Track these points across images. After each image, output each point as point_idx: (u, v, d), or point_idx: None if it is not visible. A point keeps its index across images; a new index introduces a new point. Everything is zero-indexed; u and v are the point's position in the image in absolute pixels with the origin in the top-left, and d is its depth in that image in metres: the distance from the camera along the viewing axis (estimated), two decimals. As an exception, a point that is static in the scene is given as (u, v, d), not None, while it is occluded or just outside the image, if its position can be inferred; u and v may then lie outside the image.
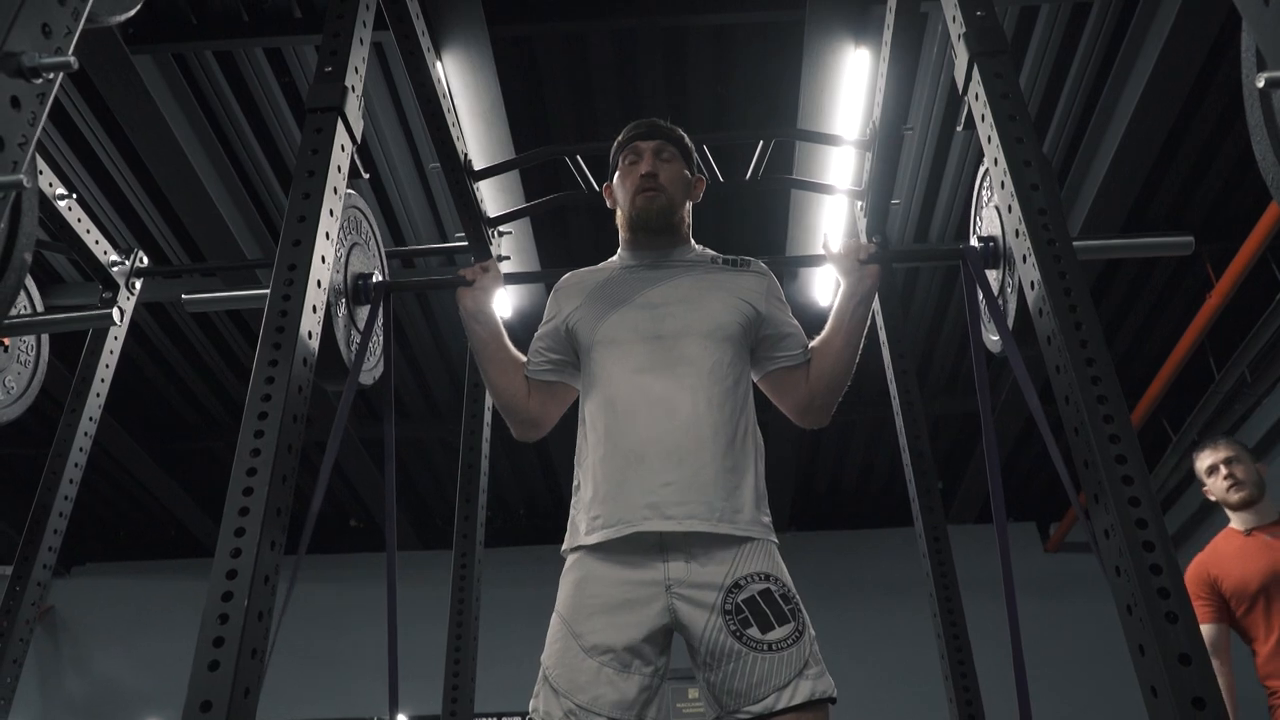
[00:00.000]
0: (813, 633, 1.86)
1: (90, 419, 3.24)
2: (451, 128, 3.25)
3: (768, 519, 1.98)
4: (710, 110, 4.99)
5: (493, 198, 4.19)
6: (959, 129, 2.32)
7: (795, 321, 2.23)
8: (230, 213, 5.17)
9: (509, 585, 6.76)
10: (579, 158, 3.55)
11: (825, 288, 5.49)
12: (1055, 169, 5.25)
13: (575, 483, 2.08)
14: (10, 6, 1.25)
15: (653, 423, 1.97)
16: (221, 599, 1.51)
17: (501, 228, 3.68)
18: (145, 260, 3.55)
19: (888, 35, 3.04)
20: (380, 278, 2.69)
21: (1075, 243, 1.95)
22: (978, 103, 2.12)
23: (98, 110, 4.72)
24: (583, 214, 5.64)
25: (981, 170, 2.54)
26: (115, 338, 3.38)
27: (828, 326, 2.22)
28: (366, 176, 2.59)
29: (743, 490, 1.95)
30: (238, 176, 5.19)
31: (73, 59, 1.33)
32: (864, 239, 3.52)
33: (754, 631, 1.81)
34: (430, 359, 6.83)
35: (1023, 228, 1.90)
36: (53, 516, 3.05)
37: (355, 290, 2.54)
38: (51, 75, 1.31)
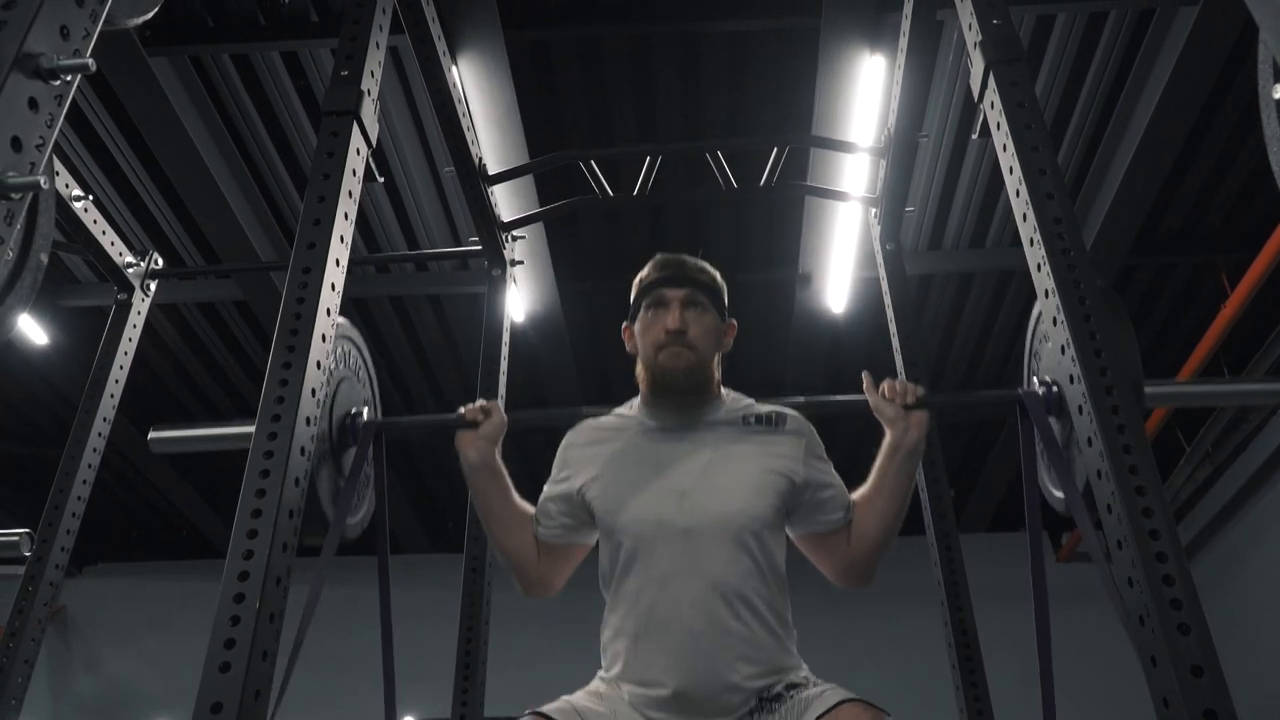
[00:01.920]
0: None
1: (104, 419, 3.25)
2: (466, 132, 3.25)
3: (796, 665, 1.92)
4: (724, 116, 4.99)
5: (506, 202, 4.19)
6: (974, 137, 2.31)
7: (835, 478, 2.04)
8: (245, 215, 5.19)
9: (519, 589, 6.75)
10: (593, 163, 3.56)
11: (838, 297, 5.49)
12: (1071, 177, 5.24)
13: (602, 642, 1.97)
14: (29, 8, 1.26)
15: (681, 640, 1.83)
16: (234, 600, 1.51)
17: (515, 232, 3.69)
18: (160, 262, 3.56)
19: (903, 42, 3.03)
20: (370, 415, 2.35)
21: (1148, 388, 1.92)
22: (993, 111, 2.11)
23: (114, 112, 4.74)
24: (596, 219, 5.64)
25: (1035, 312, 2.28)
26: (130, 339, 3.39)
27: (869, 482, 2.04)
28: (381, 180, 2.59)
29: (781, 672, 1.87)
30: (253, 179, 5.21)
31: (90, 61, 1.34)
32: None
33: (794, 692, 1.81)
34: (442, 360, 6.83)
35: (1037, 236, 1.89)
36: (66, 516, 3.05)
37: (341, 431, 2.22)
38: (69, 77, 1.31)
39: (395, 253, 5.73)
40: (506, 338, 3.47)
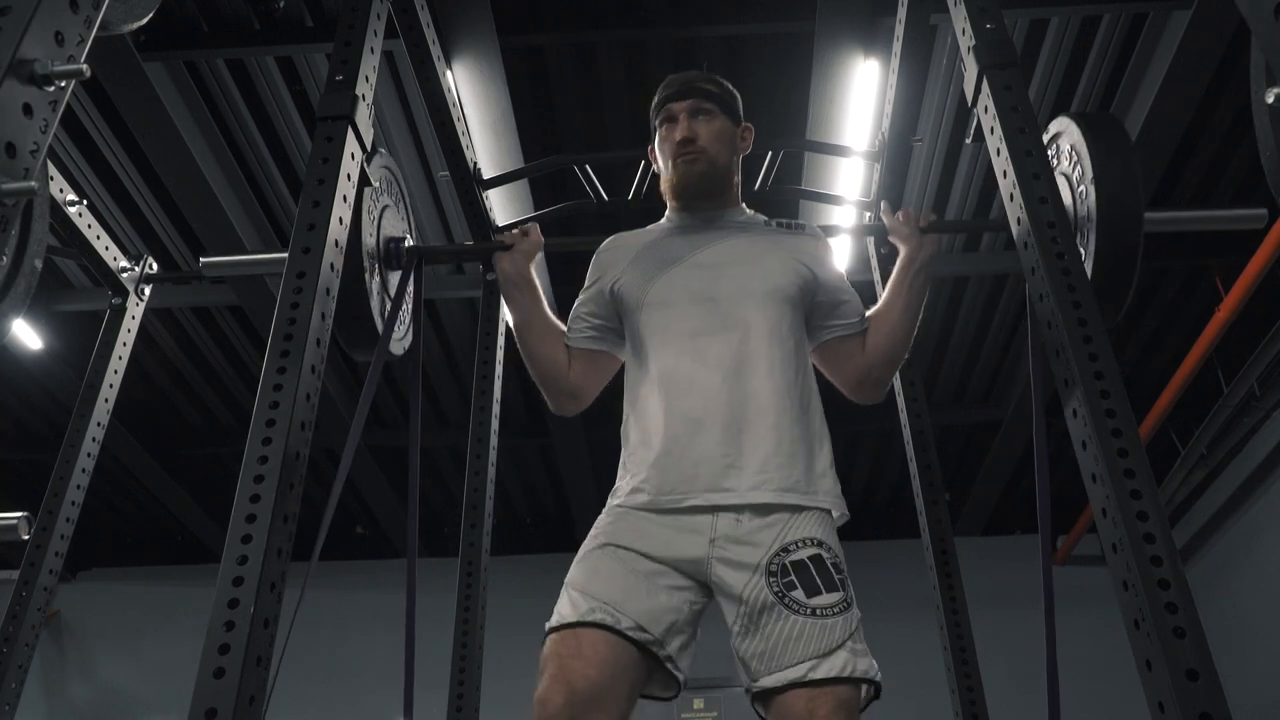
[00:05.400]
0: (859, 613, 1.76)
1: (98, 424, 3.24)
2: (461, 136, 3.25)
3: (834, 487, 1.86)
4: (719, 121, 4.99)
5: (501, 207, 4.19)
6: (968, 141, 2.31)
7: (851, 288, 2.12)
8: (240, 220, 5.19)
9: (515, 594, 6.73)
10: (588, 167, 3.56)
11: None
12: (1064, 181, 5.24)
13: (622, 460, 1.96)
14: (23, 14, 1.26)
15: (710, 390, 1.86)
16: (228, 606, 1.51)
17: (510, 236, 3.68)
18: (155, 266, 3.55)
19: (897, 47, 3.04)
20: (411, 241, 2.61)
21: (1147, 214, 2.07)
22: (987, 115, 2.12)
23: (109, 117, 4.73)
24: (591, 223, 5.64)
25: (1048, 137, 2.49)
26: (124, 344, 3.39)
27: (885, 295, 2.15)
28: (375, 185, 2.59)
29: (807, 460, 1.83)
30: (248, 184, 5.20)
31: (85, 67, 1.34)
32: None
33: (799, 594, 1.69)
34: (438, 369, 6.83)
35: (1031, 240, 1.90)
36: (60, 522, 3.04)
37: (387, 254, 2.48)
38: (64, 83, 1.31)
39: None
40: (501, 342, 3.47)
